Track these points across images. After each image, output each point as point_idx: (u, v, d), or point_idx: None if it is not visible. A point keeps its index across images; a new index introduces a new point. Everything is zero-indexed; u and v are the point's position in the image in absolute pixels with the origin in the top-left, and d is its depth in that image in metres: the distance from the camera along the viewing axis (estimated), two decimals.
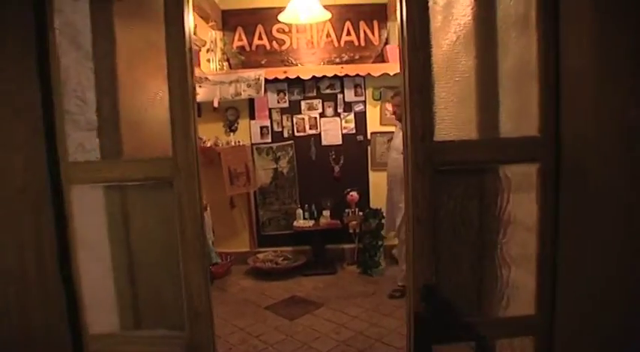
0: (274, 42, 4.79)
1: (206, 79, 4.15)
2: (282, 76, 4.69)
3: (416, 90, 1.55)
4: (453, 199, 1.64)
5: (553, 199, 1.59)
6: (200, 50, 3.99)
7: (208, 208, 4.40)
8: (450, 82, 1.60)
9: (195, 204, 1.55)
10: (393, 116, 4.94)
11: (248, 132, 4.96)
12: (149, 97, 1.64)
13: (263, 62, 4.78)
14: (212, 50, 4.55)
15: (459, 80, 1.61)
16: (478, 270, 1.72)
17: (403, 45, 1.60)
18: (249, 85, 4.60)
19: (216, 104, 4.60)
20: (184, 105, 1.48)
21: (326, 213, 4.82)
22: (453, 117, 1.60)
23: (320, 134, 4.98)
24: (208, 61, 4.56)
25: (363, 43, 4.82)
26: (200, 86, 4.26)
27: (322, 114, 4.97)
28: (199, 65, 4.01)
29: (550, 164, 1.57)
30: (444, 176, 1.60)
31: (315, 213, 4.91)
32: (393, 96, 4.06)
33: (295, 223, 4.82)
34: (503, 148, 1.62)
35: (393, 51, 4.71)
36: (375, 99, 4.98)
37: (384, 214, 4.41)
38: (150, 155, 1.62)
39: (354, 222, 4.77)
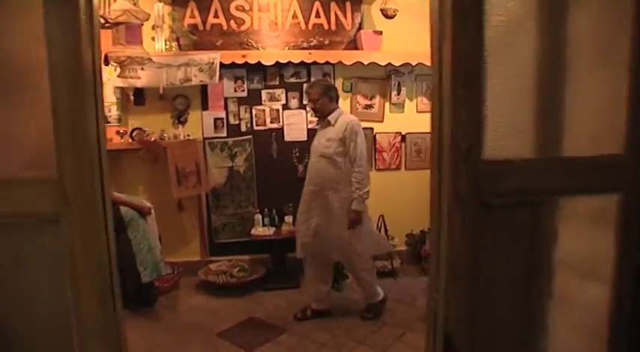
0: (232, 21, 4.14)
1: (149, 60, 3.47)
2: (240, 61, 4.06)
3: (461, 79, 1.00)
4: (501, 245, 1.12)
5: (637, 243, 1.10)
6: (142, 25, 3.30)
7: (152, 212, 3.74)
8: (507, 71, 1.07)
9: (99, 256, 0.95)
10: (365, 110, 4.47)
11: (200, 124, 4.30)
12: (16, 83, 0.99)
13: (218, 44, 4.12)
14: (158, 26, 3.85)
15: (518, 68, 1.09)
16: (530, 339, 1.21)
17: (440, 13, 1.05)
18: (201, 70, 3.94)
19: (161, 90, 3.91)
20: (76, 95, 0.87)
21: (288, 219, 4.25)
22: (510, 125, 1.08)
23: (282, 128, 4.40)
24: (153, 39, 3.85)
25: (333, 27, 4.25)
26: (142, 68, 3.56)
27: (286, 106, 4.38)
28: (141, 43, 3.32)
29: (637, 195, 1.08)
30: (494, 212, 1.08)
31: (277, 218, 4.33)
32: (308, 90, 3.50)
33: (253, 231, 4.22)
34: (573, 172, 1.11)
35: (367, 37, 4.18)
36: (345, 91, 4.44)
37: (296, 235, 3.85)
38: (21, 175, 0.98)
39: None
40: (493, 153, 1.05)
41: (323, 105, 3.33)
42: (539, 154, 1.12)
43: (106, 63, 3.26)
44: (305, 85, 4.33)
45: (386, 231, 4.35)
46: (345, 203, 3.29)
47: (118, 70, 3.44)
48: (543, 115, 1.12)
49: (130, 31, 3.15)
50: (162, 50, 3.89)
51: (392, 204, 4.60)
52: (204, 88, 4.22)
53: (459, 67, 1.00)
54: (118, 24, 3.13)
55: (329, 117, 3.35)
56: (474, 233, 1.06)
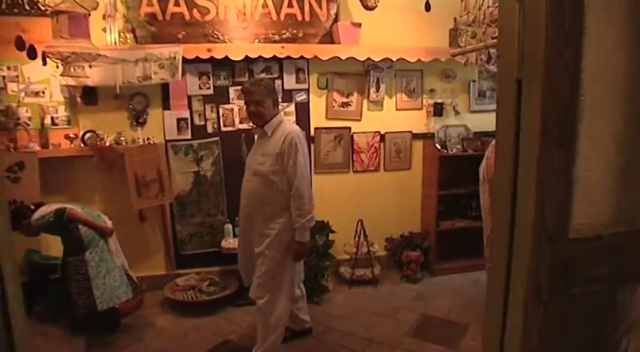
0: (195, 10, 3.71)
1: (99, 55, 3.01)
2: (205, 55, 3.65)
3: (554, 135, 0.70)
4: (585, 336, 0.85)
5: None
6: (89, 14, 2.84)
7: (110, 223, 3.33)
8: (601, 121, 0.78)
9: None
10: (342, 108, 4.16)
11: (161, 125, 3.88)
12: None
13: (180, 36, 3.69)
14: (110, 16, 3.38)
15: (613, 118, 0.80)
16: None
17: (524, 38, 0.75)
18: (161, 66, 3.52)
19: (117, 89, 3.47)
20: None
21: None
22: (601, 192, 0.79)
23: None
24: (104, 30, 3.38)
25: (307, 18, 3.89)
26: (90, 65, 3.11)
27: None
28: (88, 36, 2.86)
29: None
30: (580, 300, 0.80)
31: None
32: (250, 88, 2.74)
33: (223, 243, 3.86)
34: None
35: (345, 29, 3.85)
36: (320, 88, 4.12)
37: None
38: None
39: None
40: (581, 229, 0.77)
41: (267, 110, 2.71)
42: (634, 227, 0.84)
43: (44, 61, 2.78)
44: (278, 82, 3.99)
45: (365, 236, 4.09)
46: (284, 230, 2.72)
47: (61, 67, 2.98)
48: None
49: (74, 21, 2.70)
50: (116, 43, 3.43)
51: (370, 208, 4.35)
52: (165, 86, 3.79)
53: (551, 119, 0.70)
54: (58, 13, 2.67)
55: (265, 127, 2.73)
56: (560, 328, 0.77)
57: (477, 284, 4.12)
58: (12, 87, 3.61)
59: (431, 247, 4.29)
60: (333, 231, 3.99)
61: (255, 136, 3.05)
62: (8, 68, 3.58)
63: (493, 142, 3.27)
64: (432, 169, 4.26)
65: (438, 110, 4.37)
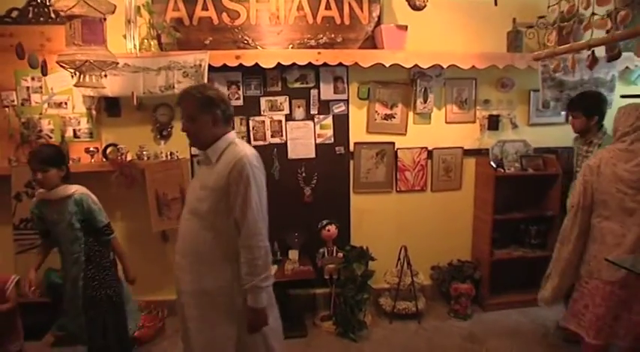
0: (224, 14, 3.41)
1: (116, 63, 2.73)
2: (234, 63, 3.32)
3: None
4: None
5: None
6: (105, 19, 2.56)
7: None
8: None
9: None
10: (385, 121, 3.74)
11: (186, 139, 3.55)
12: None
13: (207, 42, 3.38)
14: (132, 22, 3.11)
15: None
16: None
17: None
18: (186, 75, 3.21)
19: (134, 101, 3.20)
20: None
21: (293, 254, 3.53)
22: None
23: (286, 144, 3.67)
24: (125, 37, 3.11)
25: (347, 21, 3.51)
26: (105, 75, 2.83)
27: (290, 117, 3.65)
28: (104, 42, 2.58)
29: None
30: None
31: (279, 253, 3.61)
32: (179, 100, 2.09)
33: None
34: None
35: (389, 33, 3.43)
36: (361, 98, 3.72)
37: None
38: None
39: (331, 266, 3.51)
40: None
41: (202, 129, 1.99)
42: None
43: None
44: (314, 92, 3.62)
45: (409, 264, 3.64)
46: (229, 291, 2.02)
47: (76, 77, 2.71)
48: None
49: (88, 26, 2.42)
50: (137, 50, 3.15)
51: (415, 233, 3.89)
52: None
53: None
54: (71, 18, 2.40)
55: (208, 151, 2.02)
56: None
57: (534, 322, 3.58)
58: (35, 98, 3.42)
59: (483, 278, 3.78)
60: (373, 259, 3.56)
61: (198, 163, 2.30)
62: (32, 79, 3.39)
63: (591, 162, 2.65)
64: (485, 190, 3.76)
65: (494, 123, 3.88)
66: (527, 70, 3.63)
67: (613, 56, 1.83)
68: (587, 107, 3.10)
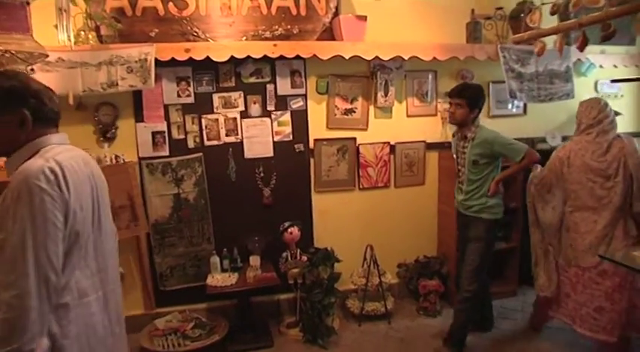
0: (171, 4, 3.13)
1: (45, 56, 2.40)
2: (182, 56, 3.06)
3: None
4: None
5: None
6: (28, 4, 2.23)
7: None
8: None
9: None
10: (346, 116, 3.60)
11: (133, 141, 3.28)
12: None
13: (153, 34, 3.10)
14: (64, 11, 2.77)
15: None
16: None
17: None
18: (130, 70, 2.93)
19: (71, 100, 2.87)
20: None
21: (255, 260, 3.31)
22: None
23: (242, 142, 3.44)
24: (56, 27, 2.77)
25: (303, 12, 3.32)
26: (32, 69, 2.50)
27: (245, 114, 3.43)
28: (29, 30, 2.25)
29: None
30: None
31: (239, 259, 3.38)
32: None
33: (209, 280, 3.22)
34: None
35: (348, 24, 3.28)
36: (320, 93, 3.55)
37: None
38: None
39: (295, 271, 3.32)
40: None
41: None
42: None
43: None
44: (270, 87, 3.42)
45: (376, 264, 3.51)
46: None
47: None
48: None
49: (7, 11, 2.08)
50: (71, 43, 2.82)
51: (380, 230, 3.78)
52: (137, 93, 3.20)
53: None
54: None
55: (7, 162, 1.43)
56: None
57: (503, 315, 3.55)
58: None
59: (450, 273, 3.71)
60: (338, 260, 3.40)
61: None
62: None
63: (560, 154, 2.78)
64: (449, 184, 3.67)
65: None
66: (486, 61, 3.58)
67: (607, 35, 1.70)
68: (471, 97, 2.83)
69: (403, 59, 3.43)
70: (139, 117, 3.26)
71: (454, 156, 3.13)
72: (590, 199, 2.69)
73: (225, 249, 3.37)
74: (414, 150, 3.79)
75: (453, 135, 3.15)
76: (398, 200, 3.82)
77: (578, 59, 3.87)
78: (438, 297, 3.62)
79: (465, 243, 3.03)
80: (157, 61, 2.98)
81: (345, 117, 3.61)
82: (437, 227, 3.94)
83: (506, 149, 2.80)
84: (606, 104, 2.75)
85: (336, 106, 3.57)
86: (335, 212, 3.68)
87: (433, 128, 3.83)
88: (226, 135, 3.41)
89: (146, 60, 2.90)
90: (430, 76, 3.74)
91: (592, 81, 4.26)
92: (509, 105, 3.97)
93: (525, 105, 3.97)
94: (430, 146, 3.81)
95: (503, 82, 3.56)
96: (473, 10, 3.59)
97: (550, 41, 2.65)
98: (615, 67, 4.24)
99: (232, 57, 3.11)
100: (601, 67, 4.09)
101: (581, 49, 1.83)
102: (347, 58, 3.26)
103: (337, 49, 3.24)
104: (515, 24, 3.61)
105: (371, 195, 3.77)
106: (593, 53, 3.96)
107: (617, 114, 3.87)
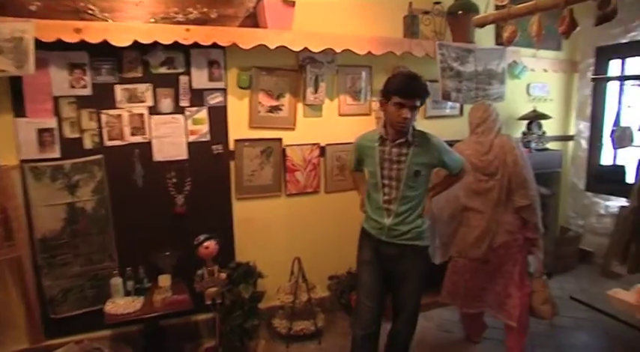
0: None
1: None
2: (73, 39, 2.52)
3: None
4: None
5: None
6: None
7: None
8: None
9: None
10: (271, 114, 3.23)
11: (12, 139, 2.69)
12: None
13: (34, 8, 2.54)
14: None
15: None
16: None
17: None
18: (0, 51, 2.36)
19: None
20: None
21: (165, 279, 2.85)
22: None
23: (150, 143, 2.96)
24: None
25: None
26: None
27: (154, 110, 2.95)
28: None
29: None
30: None
31: (146, 280, 2.91)
32: None
33: (109, 307, 2.70)
34: None
35: (273, 9, 2.91)
36: (242, 87, 3.15)
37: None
38: None
39: (212, 290, 2.90)
40: None
41: None
42: None
43: None
44: (183, 78, 2.97)
45: (304, 278, 3.18)
46: None
47: None
48: None
49: None
50: None
51: (309, 240, 3.46)
52: (15, 82, 2.63)
53: None
54: None
55: None
56: None
57: (440, 327, 3.38)
58: None
59: None
60: (262, 276, 3.03)
61: None
62: None
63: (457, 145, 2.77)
64: None
65: None
66: (423, 58, 3.36)
67: (606, 15, 1.37)
68: (426, 96, 2.63)
69: (335, 52, 3.12)
70: (19, 110, 2.68)
71: (367, 169, 2.41)
72: (478, 196, 2.85)
73: (129, 268, 2.87)
74: (346, 152, 3.47)
75: (362, 142, 2.45)
76: (328, 206, 3.51)
77: (514, 61, 3.77)
78: None
79: (394, 281, 2.42)
80: (39, 42, 2.43)
81: (271, 115, 3.24)
82: None
83: (450, 158, 2.40)
84: (490, 105, 2.91)
85: (260, 103, 3.19)
86: (258, 221, 3.29)
87: (367, 128, 3.44)
88: (131, 134, 2.91)
89: (22, 39, 2.34)
90: (364, 72, 3.46)
91: (524, 83, 4.20)
92: (446, 106, 3.79)
93: (462, 105, 3.82)
94: None
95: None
96: (411, 4, 3.36)
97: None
98: (545, 71, 4.23)
99: (136, 42, 2.63)
100: (532, 70, 4.03)
101: (567, 34, 1.50)
102: (272, 48, 2.89)
103: (261, 37, 2.85)
104: (453, 21, 3.43)
105: (299, 201, 3.43)
106: (527, 56, 3.88)
107: (546, 117, 3.84)
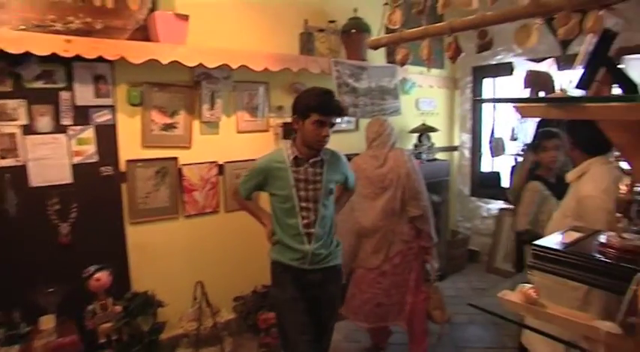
0: None
1: None
2: None
3: None
4: None
5: None
6: None
7: None
8: None
9: None
10: (165, 132, 3.07)
11: None
12: None
13: None
14: None
15: None
16: None
17: None
18: None
19: None
20: None
21: (48, 320, 2.51)
22: None
23: (25, 166, 2.62)
24: None
25: (110, 3, 2.67)
26: None
27: (29, 129, 2.62)
28: None
29: None
30: None
31: (23, 324, 2.53)
32: None
33: None
34: None
35: (165, 22, 2.76)
36: (132, 104, 2.93)
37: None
38: None
39: (106, 326, 2.63)
40: None
41: None
42: None
43: None
44: (64, 94, 2.69)
45: (208, 303, 3.02)
46: None
47: None
48: None
49: None
50: None
51: (211, 263, 3.32)
52: None
53: None
54: None
55: None
56: None
57: (348, 338, 3.42)
58: None
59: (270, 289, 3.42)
60: (162, 305, 2.83)
61: None
62: None
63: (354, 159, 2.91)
64: None
65: (288, 132, 3.56)
66: (320, 75, 3.42)
67: (484, 45, 1.48)
68: None
69: (231, 68, 3.05)
70: None
71: (275, 193, 2.27)
72: (374, 208, 2.92)
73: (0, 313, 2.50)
74: (246, 170, 3.41)
75: (268, 164, 2.29)
76: (230, 226, 3.39)
77: (404, 78, 3.99)
78: None
79: (318, 307, 2.30)
80: None
81: (165, 133, 3.06)
82: None
83: (349, 173, 2.46)
84: (386, 120, 3.03)
85: (153, 120, 3.00)
86: (156, 246, 3.08)
87: (265, 145, 3.51)
88: (1, 157, 2.56)
89: None
90: (261, 89, 3.43)
91: (414, 99, 4.46)
92: (342, 121, 3.89)
93: (358, 120, 3.94)
94: None
95: None
96: (306, 21, 3.41)
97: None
98: (431, 87, 4.54)
99: (3, 52, 2.33)
100: (420, 86, 4.30)
101: (454, 59, 1.60)
102: (165, 63, 2.73)
103: (153, 51, 2.69)
104: (347, 39, 3.54)
105: (198, 222, 3.27)
106: (415, 73, 4.13)
107: (434, 129, 4.11)
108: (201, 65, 2.90)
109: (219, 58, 2.94)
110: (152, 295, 2.81)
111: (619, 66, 1.03)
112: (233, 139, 3.37)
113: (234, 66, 3.02)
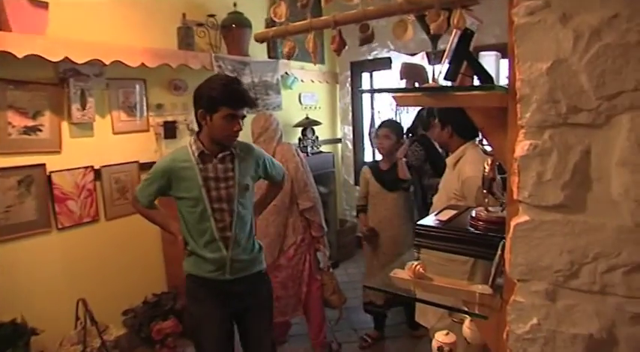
0: None
1: None
2: None
3: None
4: None
5: None
6: None
7: None
8: None
9: None
10: (27, 136, 2.73)
11: None
12: None
13: None
14: None
15: None
16: None
17: None
18: None
19: None
20: None
21: None
22: None
23: None
24: None
25: None
26: None
27: None
28: None
29: None
30: None
31: None
32: None
33: None
34: None
35: (16, 10, 2.43)
36: None
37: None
38: None
39: None
40: None
41: None
42: None
43: None
44: None
45: (93, 320, 2.76)
46: None
47: None
48: None
49: None
50: None
51: (94, 277, 3.05)
52: None
53: None
54: None
55: None
56: None
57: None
58: None
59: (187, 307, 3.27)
60: (37, 333, 2.52)
61: None
62: None
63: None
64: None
65: (170, 130, 3.40)
66: (201, 71, 3.28)
67: (366, 38, 1.52)
68: None
69: (104, 64, 2.79)
70: None
71: (183, 196, 2.02)
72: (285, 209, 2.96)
73: None
74: (126, 173, 3.19)
75: (171, 164, 2.03)
76: (112, 234, 3.13)
77: (286, 73, 4.01)
78: (177, 339, 3.13)
79: (243, 320, 2.19)
80: None
81: (27, 137, 2.70)
82: (163, 257, 3.44)
83: (273, 165, 2.27)
84: (271, 115, 3.06)
85: (10, 123, 2.62)
86: (25, 266, 2.72)
87: (146, 146, 3.30)
88: None
89: None
90: (138, 86, 3.19)
91: (296, 93, 4.51)
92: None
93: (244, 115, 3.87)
94: (144, 166, 3.20)
95: None
96: (184, 15, 3.24)
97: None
98: (312, 81, 4.63)
99: None
100: (302, 81, 4.36)
101: (338, 52, 1.62)
102: (21, 56, 2.39)
103: (4, 42, 2.34)
104: (227, 34, 3.45)
105: (76, 234, 2.96)
106: (296, 68, 4.17)
107: (317, 123, 4.21)
108: (67, 60, 2.60)
109: (88, 52, 2.67)
110: (22, 323, 2.48)
111: (478, 60, 1.19)
112: (109, 141, 3.10)
113: (106, 61, 2.76)
